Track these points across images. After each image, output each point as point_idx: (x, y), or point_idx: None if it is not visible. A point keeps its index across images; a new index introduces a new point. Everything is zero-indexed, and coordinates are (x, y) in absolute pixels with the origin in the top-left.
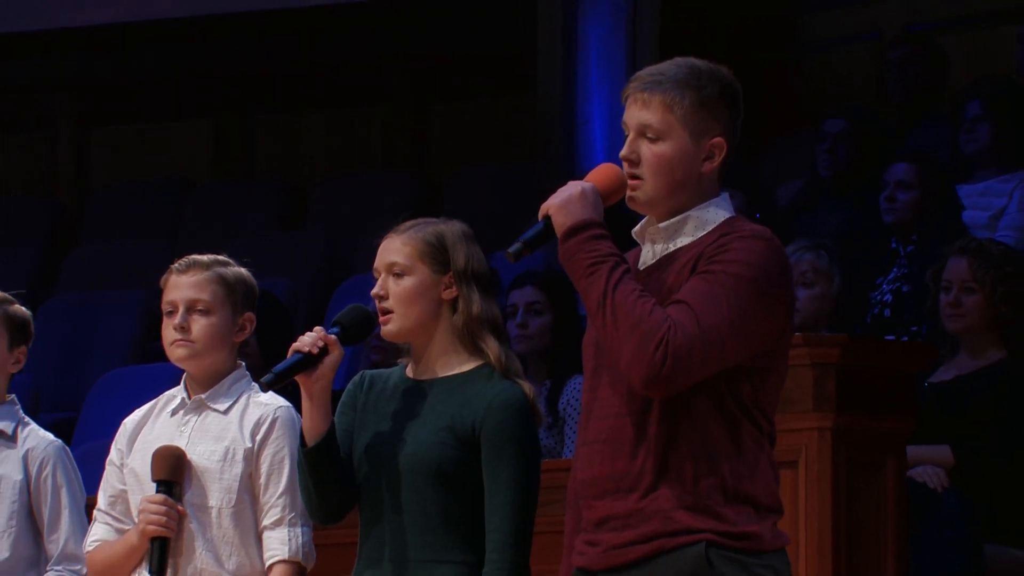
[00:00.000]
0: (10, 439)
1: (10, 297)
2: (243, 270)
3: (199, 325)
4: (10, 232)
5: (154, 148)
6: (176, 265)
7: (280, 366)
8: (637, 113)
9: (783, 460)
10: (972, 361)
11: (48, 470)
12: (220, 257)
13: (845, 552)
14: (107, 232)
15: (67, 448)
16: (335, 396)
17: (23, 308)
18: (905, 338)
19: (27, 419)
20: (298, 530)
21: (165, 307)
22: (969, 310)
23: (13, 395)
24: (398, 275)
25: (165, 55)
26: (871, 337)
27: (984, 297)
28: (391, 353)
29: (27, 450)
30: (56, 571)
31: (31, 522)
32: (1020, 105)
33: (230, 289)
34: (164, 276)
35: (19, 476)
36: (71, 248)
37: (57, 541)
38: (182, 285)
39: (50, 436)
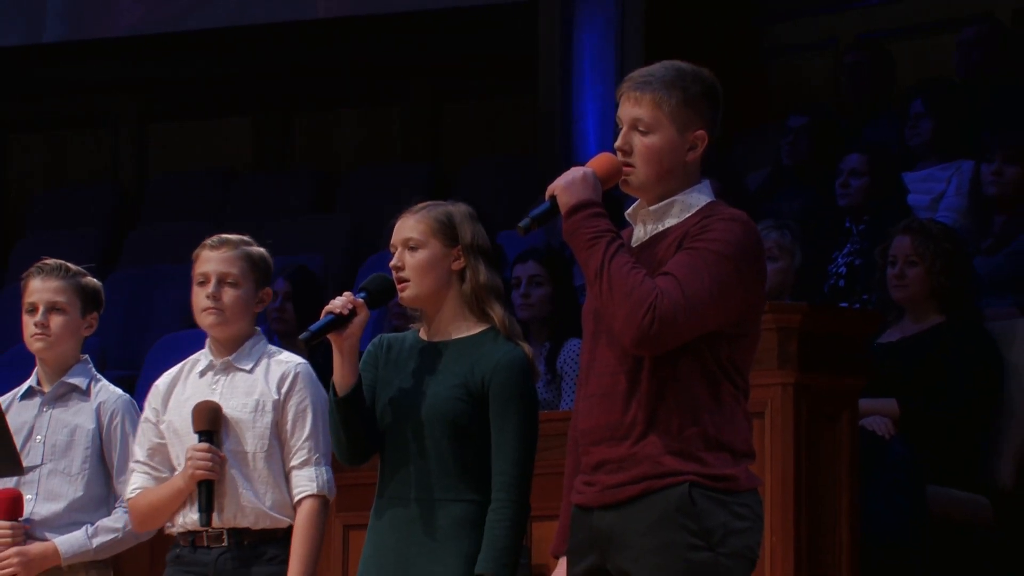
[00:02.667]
0: (84, 393)
1: (83, 270)
2: (263, 250)
3: (229, 296)
4: (79, 215)
5: (203, 142)
6: (209, 241)
7: (315, 325)
8: (630, 109)
9: (751, 412)
10: (915, 325)
11: (118, 420)
12: (245, 237)
13: (805, 492)
14: (162, 215)
15: (134, 401)
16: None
17: (94, 279)
18: (857, 306)
19: (98, 376)
20: (322, 468)
21: (197, 278)
22: (912, 281)
23: (86, 355)
24: (413, 249)
25: (213, 60)
26: (828, 305)
27: (925, 270)
28: (409, 319)
29: (99, 403)
30: (124, 508)
31: (102, 466)
32: (958, 104)
33: (254, 265)
34: (197, 250)
35: (92, 425)
36: (131, 229)
37: (125, 483)
38: (214, 259)
39: (119, 391)
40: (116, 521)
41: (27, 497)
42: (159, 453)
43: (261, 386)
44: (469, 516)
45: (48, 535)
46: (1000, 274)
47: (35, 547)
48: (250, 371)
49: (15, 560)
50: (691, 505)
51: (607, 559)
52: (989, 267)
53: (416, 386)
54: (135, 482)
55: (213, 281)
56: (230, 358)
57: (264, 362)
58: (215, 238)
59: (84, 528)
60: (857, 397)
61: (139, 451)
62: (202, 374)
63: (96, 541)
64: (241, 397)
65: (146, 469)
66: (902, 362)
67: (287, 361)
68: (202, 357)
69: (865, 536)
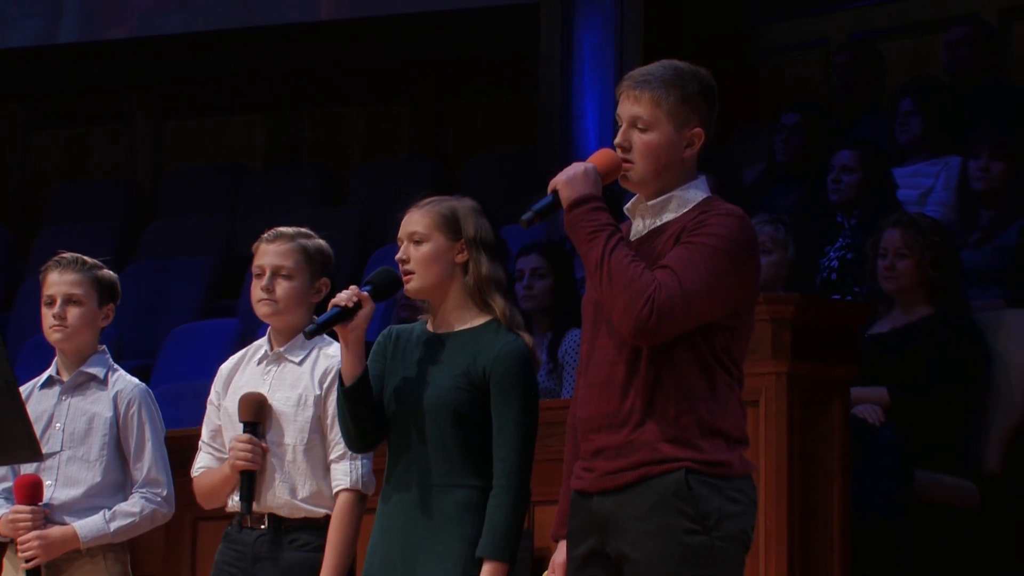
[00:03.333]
0: (102, 382)
1: (99, 263)
2: (322, 242)
3: (282, 287)
4: (98, 209)
5: (216, 138)
6: (265, 235)
7: (321, 317)
8: (629, 107)
9: (746, 400)
10: (905, 316)
11: (134, 409)
12: (303, 230)
13: (798, 477)
14: (178, 209)
15: (150, 390)
16: (368, 346)
17: (110, 272)
18: (849, 297)
19: (115, 365)
20: (359, 462)
21: (255, 270)
22: (902, 273)
23: (104, 346)
24: (418, 242)
25: (226, 59)
26: (820, 296)
27: (915, 262)
28: (416, 311)
29: (116, 392)
30: (141, 493)
31: (119, 452)
32: (946, 101)
33: (310, 258)
34: (255, 243)
35: (109, 414)
36: (148, 222)
37: (142, 468)
38: (270, 252)
39: (135, 380)
40: (133, 506)
41: (47, 483)
42: (220, 435)
43: (306, 380)
44: (471, 501)
45: (67, 519)
46: (987, 267)
47: (55, 531)
48: (299, 363)
49: (36, 544)
50: (687, 490)
51: (606, 542)
52: (976, 260)
53: (420, 376)
54: (199, 461)
55: (267, 273)
56: (282, 349)
57: (314, 354)
58: (272, 231)
59: (102, 512)
60: (848, 385)
61: (204, 432)
62: (259, 362)
63: (114, 525)
64: (286, 390)
65: (209, 450)
66: (892, 352)
67: (334, 356)
68: (263, 344)
69: (856, 519)
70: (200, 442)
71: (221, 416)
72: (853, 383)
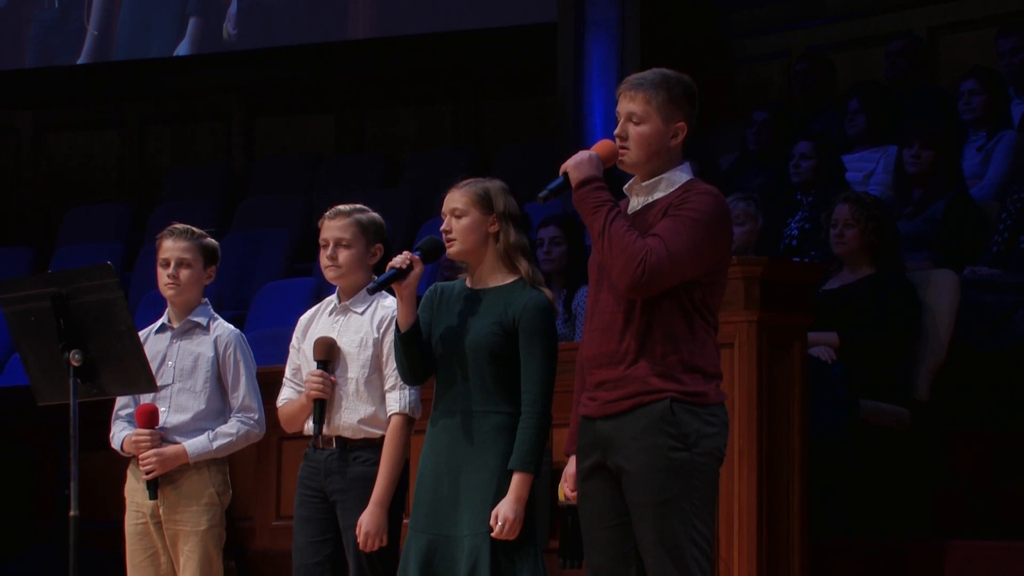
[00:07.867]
0: (205, 329)
1: (205, 233)
2: (375, 214)
3: (344, 255)
4: (200, 190)
5: (296, 132)
6: (328, 213)
7: (380, 277)
8: (626, 104)
9: (723, 343)
10: (851, 275)
11: (231, 350)
12: (358, 206)
13: (766, 406)
14: (265, 190)
15: (243, 335)
16: (418, 300)
17: (213, 240)
18: (807, 260)
19: (216, 315)
20: (407, 391)
21: (320, 242)
22: (849, 240)
23: (206, 299)
24: (458, 216)
25: (305, 68)
26: (784, 259)
27: (859, 231)
28: (456, 271)
29: (216, 336)
30: (237, 417)
31: (219, 385)
32: (885, 101)
33: (364, 229)
34: (320, 220)
35: (211, 354)
36: (241, 200)
37: (238, 398)
38: (332, 227)
39: (231, 327)
40: (231, 428)
41: (161, 410)
42: (300, 372)
43: (367, 327)
44: (504, 424)
45: (178, 439)
46: (918, 235)
47: (168, 449)
48: (362, 313)
49: (153, 459)
50: (671, 415)
51: (607, 458)
52: (909, 229)
53: (462, 324)
54: (283, 394)
55: (331, 245)
56: (348, 303)
57: (373, 306)
58: (332, 210)
59: (206, 434)
60: (806, 331)
61: (287, 370)
62: (330, 313)
63: (216, 444)
64: (351, 334)
65: (291, 384)
66: (841, 304)
67: (388, 307)
68: (334, 299)
69: (812, 438)
70: (284, 378)
71: (300, 357)
72: (810, 329)
